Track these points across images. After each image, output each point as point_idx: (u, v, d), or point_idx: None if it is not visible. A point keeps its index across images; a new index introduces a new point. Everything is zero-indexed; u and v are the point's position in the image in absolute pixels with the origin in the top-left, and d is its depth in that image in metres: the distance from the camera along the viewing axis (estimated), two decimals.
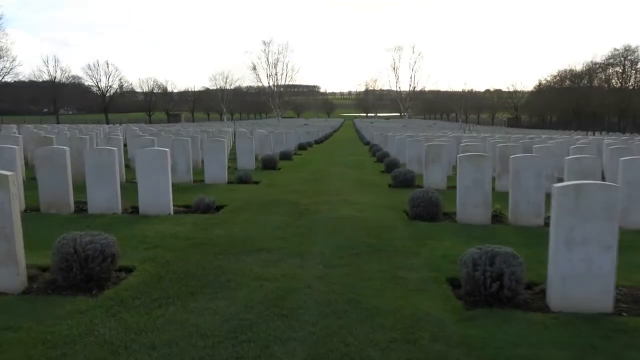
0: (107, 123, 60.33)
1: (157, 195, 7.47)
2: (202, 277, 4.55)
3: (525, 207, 7.21)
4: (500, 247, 4.21)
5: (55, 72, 72.52)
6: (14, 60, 57.03)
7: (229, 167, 12.44)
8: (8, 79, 59.89)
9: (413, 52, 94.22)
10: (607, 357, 3.19)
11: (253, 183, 11.40)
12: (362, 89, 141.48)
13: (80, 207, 7.72)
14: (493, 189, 7.46)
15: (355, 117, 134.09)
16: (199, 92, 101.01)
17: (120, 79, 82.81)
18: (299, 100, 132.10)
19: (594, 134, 43.71)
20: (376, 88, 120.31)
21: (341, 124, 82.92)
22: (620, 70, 65.66)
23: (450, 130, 42.03)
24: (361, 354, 3.14)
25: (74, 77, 79.71)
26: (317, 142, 33.26)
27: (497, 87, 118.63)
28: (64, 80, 75.64)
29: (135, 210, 7.63)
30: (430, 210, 7.37)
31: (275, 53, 72.67)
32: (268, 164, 14.69)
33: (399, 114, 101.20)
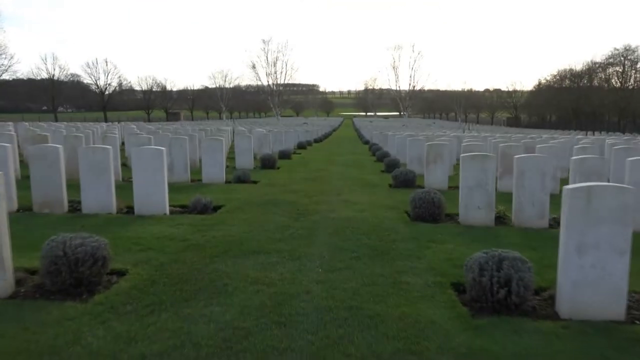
0: (106, 121, 60.10)
1: (152, 195, 7.30)
2: (197, 281, 4.37)
3: (529, 208, 7.05)
4: (507, 251, 4.04)
5: (54, 70, 72.25)
6: (12, 57, 56.89)
7: (227, 166, 12.27)
8: (6, 76, 59.67)
9: (413, 51, 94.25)
10: None
11: (251, 182, 11.22)
12: (362, 88, 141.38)
13: (75, 206, 7.54)
14: (495, 189, 7.29)
15: (355, 116, 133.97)
16: (198, 91, 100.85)
17: (119, 77, 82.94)
18: (298, 99, 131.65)
19: (593, 134, 43.56)
20: (375, 87, 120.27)
21: (340, 123, 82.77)
22: (620, 70, 65.62)
23: (450, 130, 41.92)
24: None
25: (72, 75, 79.80)
26: (317, 141, 33.13)
27: (497, 87, 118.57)
28: (62, 78, 75.42)
29: (130, 210, 7.45)
30: (432, 212, 7.20)
31: (274, 52, 72.27)
32: (267, 163, 14.50)
33: (398, 113, 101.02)
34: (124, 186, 8.99)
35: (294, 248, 5.55)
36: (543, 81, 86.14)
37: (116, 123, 42.62)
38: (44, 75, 71.77)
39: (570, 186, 3.87)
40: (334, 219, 7.23)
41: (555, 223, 7.20)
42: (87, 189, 7.31)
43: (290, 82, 77.69)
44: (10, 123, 26.35)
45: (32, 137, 12.20)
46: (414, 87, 77.09)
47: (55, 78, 72.67)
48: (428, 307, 3.90)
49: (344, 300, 4.00)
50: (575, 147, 11.88)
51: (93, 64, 79.05)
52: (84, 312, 3.62)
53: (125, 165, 12.68)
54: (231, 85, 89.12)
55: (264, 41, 77.53)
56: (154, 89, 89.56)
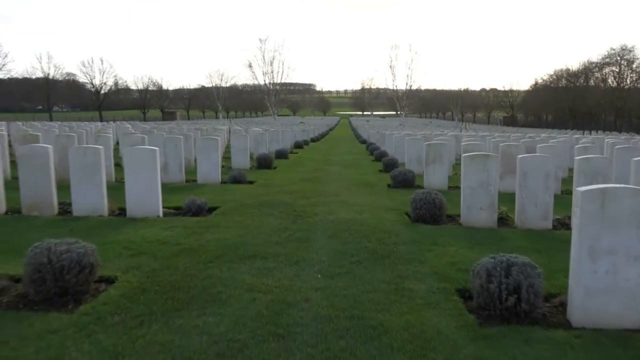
0: (101, 120, 59.69)
1: (145, 196, 7.07)
2: (190, 288, 4.16)
3: (532, 209, 6.87)
4: (516, 256, 3.85)
5: (49, 68, 71.57)
6: (6, 56, 56.33)
7: (223, 166, 12.04)
8: (1, 75, 59.12)
9: (410, 50, 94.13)
10: None
11: (247, 183, 10.99)
12: (359, 87, 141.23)
13: (65, 208, 7.31)
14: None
15: (351, 115, 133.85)
16: (195, 90, 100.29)
17: (115, 76, 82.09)
18: (295, 99, 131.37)
19: (590, 133, 43.53)
20: (372, 86, 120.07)
21: (337, 122, 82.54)
22: (617, 70, 65.60)
23: (447, 129, 41.78)
24: None
25: (68, 74, 78.92)
26: (314, 140, 32.90)
27: (493, 86, 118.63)
28: (58, 77, 74.72)
29: (122, 212, 7.22)
30: (434, 213, 7.01)
31: (271, 51, 71.81)
32: (263, 163, 14.28)
33: (395, 113, 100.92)
34: (117, 187, 8.75)
35: (292, 252, 5.35)
36: (540, 81, 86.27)
37: (111, 122, 42.28)
38: (39, 75, 71.20)
39: (583, 188, 3.67)
40: (332, 220, 7.02)
41: (559, 224, 7.03)
42: (78, 191, 7.08)
43: (287, 81, 77.36)
44: (2, 122, 26.01)
45: (24, 136, 11.92)
46: (410, 86, 76.90)
47: (51, 77, 72.01)
48: (433, 316, 3.70)
49: (344, 308, 3.79)
50: (577, 146, 11.72)
51: (89, 62, 78.42)
52: (69, 324, 3.40)
53: (119, 166, 12.42)
54: (228, 85, 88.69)
55: (260, 40, 77.20)
56: (150, 88, 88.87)
